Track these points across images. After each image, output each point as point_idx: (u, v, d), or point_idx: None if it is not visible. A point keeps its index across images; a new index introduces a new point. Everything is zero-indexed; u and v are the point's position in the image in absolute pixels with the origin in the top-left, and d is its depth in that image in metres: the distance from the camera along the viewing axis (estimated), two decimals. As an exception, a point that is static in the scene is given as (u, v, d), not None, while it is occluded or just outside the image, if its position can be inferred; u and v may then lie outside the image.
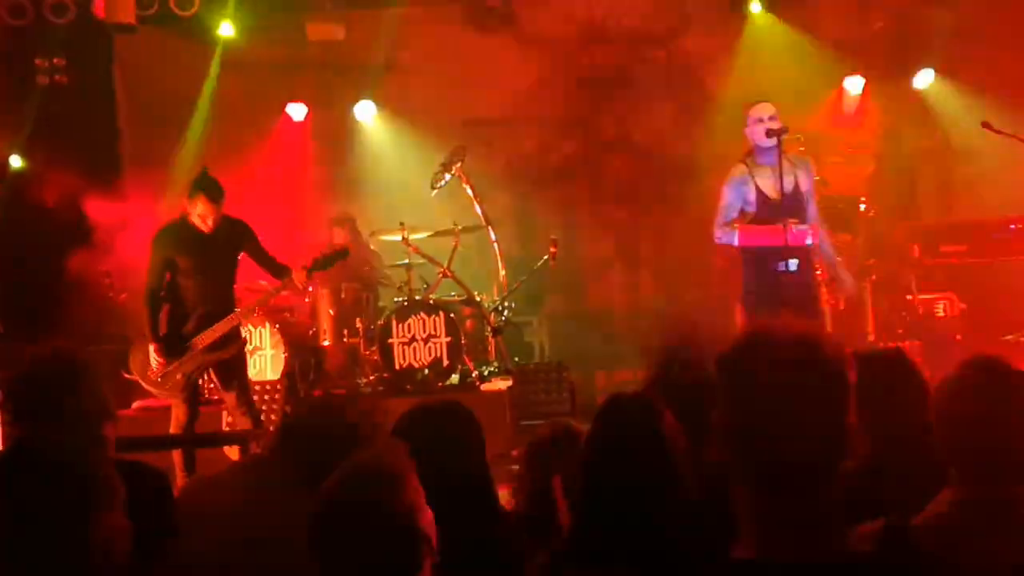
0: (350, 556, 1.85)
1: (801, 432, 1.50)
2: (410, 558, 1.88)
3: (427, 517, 1.94)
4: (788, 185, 5.58)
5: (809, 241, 5.66)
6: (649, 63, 8.59)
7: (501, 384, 7.07)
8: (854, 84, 9.05)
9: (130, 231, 7.60)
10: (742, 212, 5.70)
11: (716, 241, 5.78)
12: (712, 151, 6.99)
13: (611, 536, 2.04)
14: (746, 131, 5.75)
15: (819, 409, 1.51)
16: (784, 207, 5.51)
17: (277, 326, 7.27)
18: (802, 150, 6.72)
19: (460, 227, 7.43)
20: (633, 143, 8.59)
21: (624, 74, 8.47)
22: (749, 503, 1.54)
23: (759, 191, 5.68)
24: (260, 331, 7.29)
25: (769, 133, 5.58)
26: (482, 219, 7.50)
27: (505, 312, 7.40)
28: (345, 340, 7.43)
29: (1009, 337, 6.60)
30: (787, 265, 5.50)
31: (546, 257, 7.32)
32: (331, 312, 7.45)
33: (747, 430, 1.53)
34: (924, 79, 8.67)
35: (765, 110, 5.66)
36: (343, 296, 7.46)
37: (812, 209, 5.83)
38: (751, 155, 5.75)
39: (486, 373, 7.29)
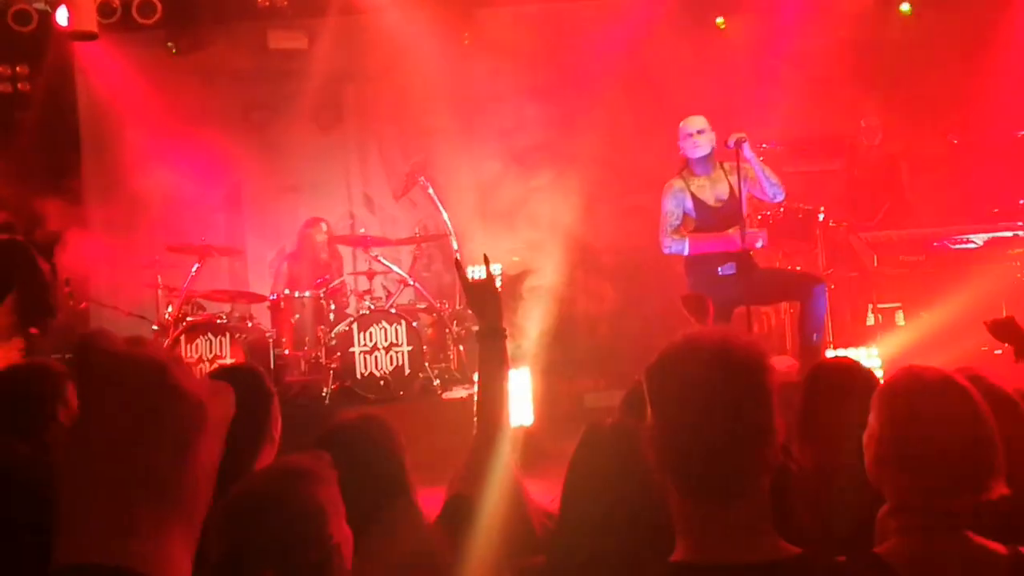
0: (253, 550, 1.82)
1: (722, 438, 1.51)
2: (315, 560, 1.84)
3: (343, 528, 1.91)
4: (723, 192, 5.80)
5: (760, 244, 5.86)
6: (611, 73, 8.48)
7: (463, 392, 6.93)
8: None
9: (89, 238, 7.41)
10: (686, 218, 5.76)
11: (665, 251, 5.89)
12: (672, 158, 6.90)
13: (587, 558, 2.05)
14: (680, 144, 5.89)
15: (742, 415, 1.52)
16: (726, 212, 5.70)
17: (237, 335, 7.07)
18: (762, 159, 6.71)
19: (422, 235, 7.28)
20: (596, 154, 8.48)
21: (587, 83, 8.35)
22: (682, 508, 1.56)
23: (696, 200, 5.83)
24: (220, 340, 7.09)
25: (729, 142, 5.73)
26: (446, 227, 7.36)
27: (467, 320, 7.26)
28: (306, 349, 7.25)
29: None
30: (727, 268, 5.72)
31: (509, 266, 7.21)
32: (292, 320, 7.26)
33: (675, 438, 1.55)
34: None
35: (694, 124, 5.84)
36: (304, 304, 7.27)
37: (768, 184, 5.88)
38: (686, 167, 5.88)
39: (448, 381, 7.13)
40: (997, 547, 1.89)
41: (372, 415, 2.77)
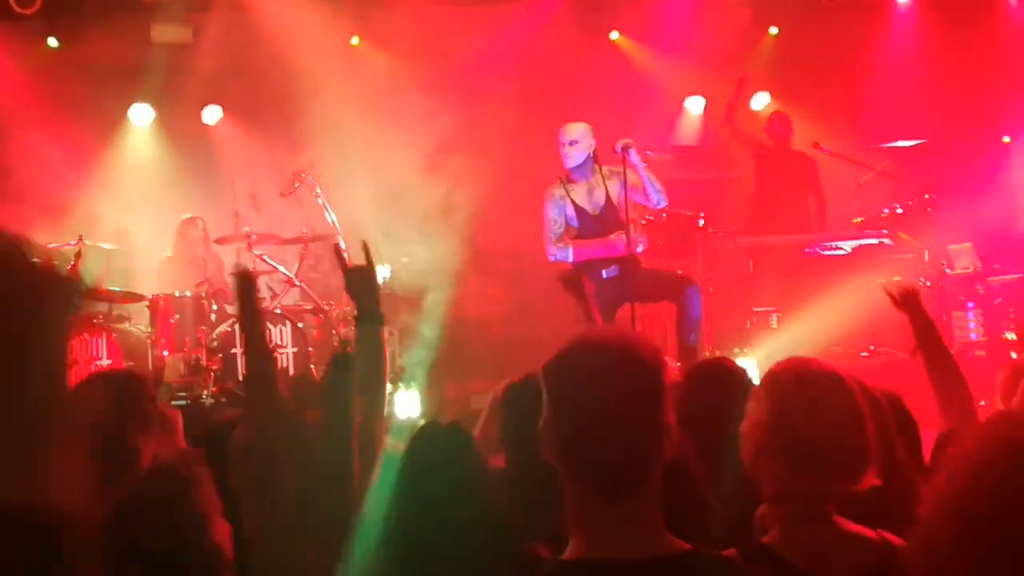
0: (141, 552, 1.80)
1: (620, 434, 1.51)
2: (200, 560, 1.83)
3: (222, 526, 1.90)
4: (600, 198, 5.91)
5: (640, 248, 5.98)
6: (506, 77, 8.49)
7: (349, 394, 6.78)
8: (695, 104, 9.29)
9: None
10: (568, 226, 5.83)
11: (551, 259, 5.95)
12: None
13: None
14: (560, 151, 5.98)
15: (637, 412, 1.53)
16: (605, 217, 5.80)
17: (114, 335, 6.77)
18: (646, 165, 6.81)
19: (309, 235, 7.12)
20: (488, 156, 8.47)
21: (482, 87, 8.33)
22: (577, 505, 1.55)
23: (576, 206, 5.91)
24: (96, 341, 6.78)
25: (615, 148, 5.86)
26: (332, 227, 7.22)
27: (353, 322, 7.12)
28: (186, 350, 6.99)
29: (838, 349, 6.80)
30: (611, 271, 5.82)
31: (397, 266, 7.13)
32: (172, 320, 7.00)
33: (569, 434, 1.54)
34: (761, 101, 8.90)
35: (567, 134, 5.92)
36: (184, 304, 7.02)
37: (652, 190, 6.02)
38: (566, 174, 5.96)
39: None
40: (868, 532, 1.94)
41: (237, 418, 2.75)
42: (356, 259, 2.69)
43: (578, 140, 5.90)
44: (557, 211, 5.92)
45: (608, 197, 5.93)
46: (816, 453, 1.91)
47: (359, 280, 2.55)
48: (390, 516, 2.05)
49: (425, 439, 2.19)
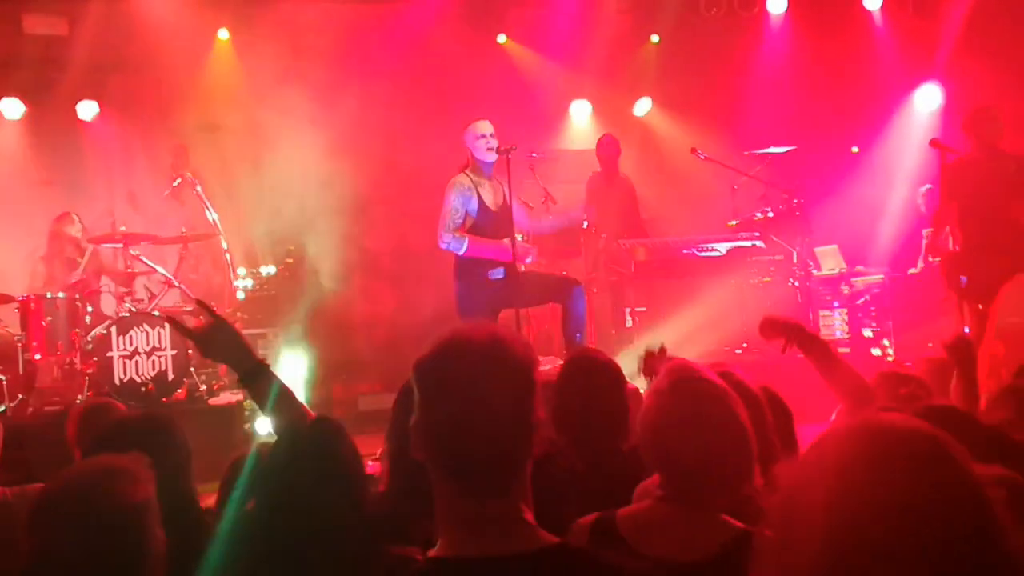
0: (63, 552, 1.70)
1: (490, 432, 1.48)
2: (130, 563, 1.75)
3: (158, 530, 1.82)
4: (500, 199, 5.84)
5: (529, 259, 5.93)
6: (393, 77, 8.34)
7: (232, 397, 6.54)
8: (581, 108, 9.34)
9: None
10: (467, 217, 5.72)
11: (442, 245, 5.80)
12: (451, 164, 6.87)
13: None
14: (468, 145, 5.83)
15: (507, 409, 1.50)
16: (501, 218, 5.74)
17: (-21, 339, 6.34)
18: (532, 169, 6.81)
19: (189, 234, 6.81)
20: (375, 157, 8.32)
21: (369, 85, 8.15)
22: (446, 503, 1.52)
23: (481, 201, 5.79)
24: (-39, 344, 6.34)
25: (499, 151, 5.71)
26: (213, 226, 6.93)
27: (237, 323, 6.86)
28: (59, 353, 6.60)
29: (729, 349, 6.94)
30: (496, 273, 5.76)
31: (281, 267, 6.92)
32: (44, 323, 6.59)
33: (439, 432, 1.50)
34: (643, 107, 9.01)
35: (487, 127, 5.79)
36: (57, 306, 6.62)
37: (520, 214, 6.10)
38: (472, 168, 5.83)
39: (215, 387, 6.72)
40: (730, 520, 1.94)
41: (157, 413, 2.58)
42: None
43: (487, 134, 5.78)
44: (462, 201, 5.73)
45: (506, 200, 5.87)
46: (696, 472, 1.92)
47: (217, 342, 2.25)
48: (253, 506, 1.94)
49: (290, 431, 2.08)
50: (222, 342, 2.24)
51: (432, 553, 1.53)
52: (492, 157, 5.70)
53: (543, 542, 1.53)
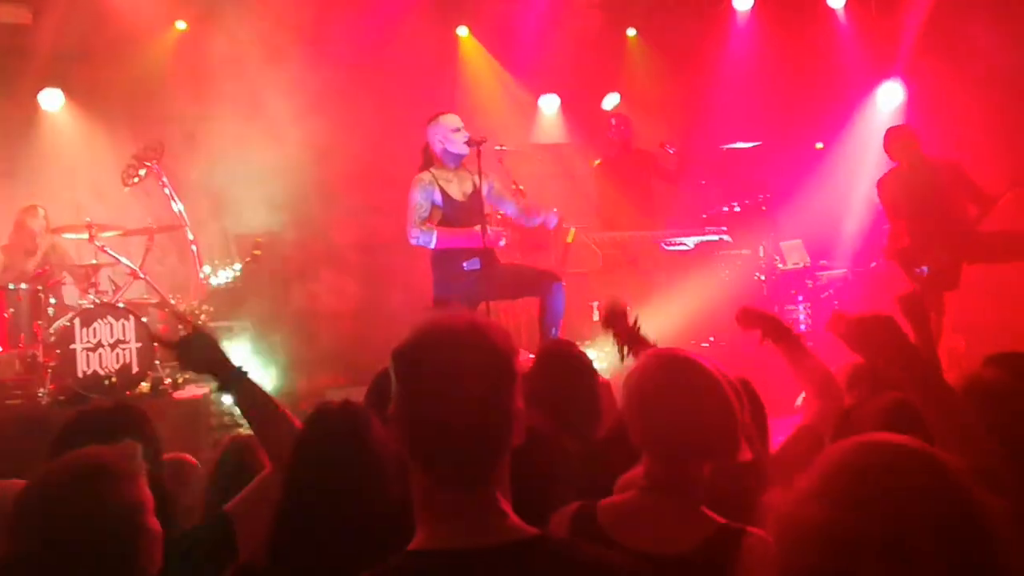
0: (50, 548, 1.66)
1: (470, 423, 1.46)
2: (121, 558, 1.71)
3: (152, 523, 1.78)
4: (468, 189, 5.81)
5: (502, 242, 5.87)
6: (357, 68, 8.24)
7: (197, 390, 6.43)
8: (549, 103, 9.32)
9: None
10: (433, 210, 5.66)
11: (412, 242, 5.77)
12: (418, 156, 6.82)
13: (310, 545, 1.96)
14: (434, 139, 5.80)
15: (487, 399, 1.47)
16: (471, 208, 5.70)
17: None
18: (500, 161, 6.77)
19: (155, 226, 6.69)
20: (341, 149, 8.22)
21: (333, 76, 8.05)
22: (426, 494, 1.50)
23: (445, 194, 5.76)
24: (-81, 337, 6.17)
25: (470, 143, 5.70)
26: (180, 217, 6.82)
27: (202, 316, 6.74)
28: (21, 346, 6.45)
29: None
30: (472, 264, 5.71)
31: (248, 259, 6.83)
32: (5, 315, 6.43)
33: (418, 422, 1.48)
34: (611, 101, 8.98)
35: (457, 120, 5.78)
36: (19, 297, 6.46)
37: (512, 208, 6.13)
38: (434, 163, 5.82)
39: (180, 380, 6.61)
40: (710, 514, 1.93)
41: (126, 404, 2.54)
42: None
43: (462, 127, 5.76)
44: (424, 196, 5.72)
45: (477, 190, 5.82)
46: (682, 441, 1.91)
47: (195, 351, 2.27)
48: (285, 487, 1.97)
49: (322, 414, 2.10)
50: (200, 352, 2.26)
51: (411, 546, 1.50)
52: (466, 149, 5.65)
53: (523, 534, 1.51)
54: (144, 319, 6.36)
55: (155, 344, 2.57)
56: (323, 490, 2.00)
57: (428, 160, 5.84)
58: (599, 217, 7.79)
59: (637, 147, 7.89)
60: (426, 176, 5.77)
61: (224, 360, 2.24)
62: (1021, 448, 2.48)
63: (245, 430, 5.22)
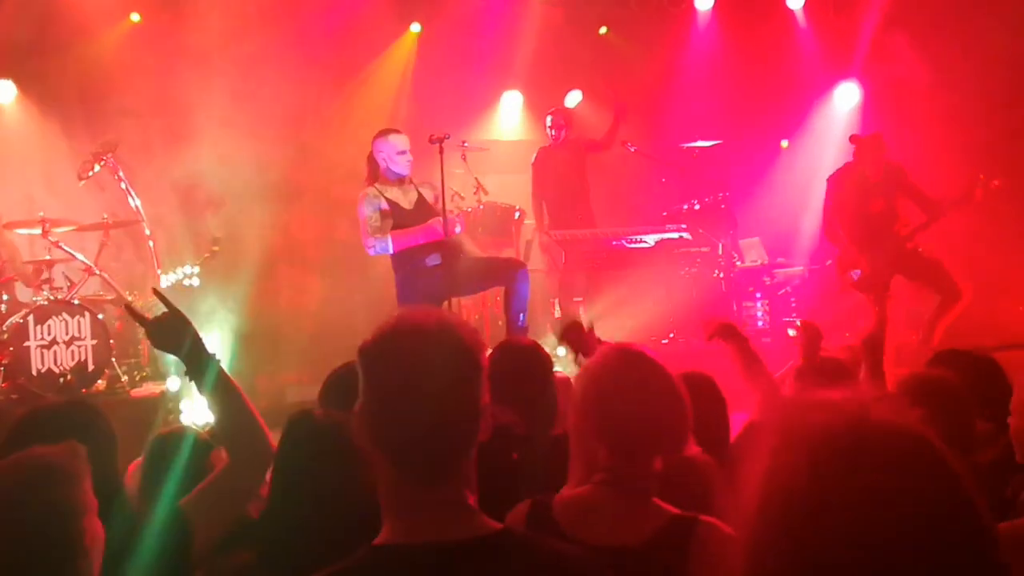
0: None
1: (437, 419, 1.46)
2: (61, 562, 1.68)
3: (94, 526, 1.76)
4: (414, 199, 5.86)
5: (458, 229, 5.89)
6: (319, 63, 8.16)
7: (155, 388, 6.33)
8: (512, 99, 9.31)
9: None
10: (385, 218, 5.67)
11: (371, 252, 5.86)
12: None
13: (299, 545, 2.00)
14: (379, 155, 5.85)
15: (454, 395, 1.47)
16: (418, 214, 5.78)
17: None
18: (464, 158, 6.75)
19: (111, 221, 6.55)
20: (301, 145, 8.14)
21: (294, 72, 7.95)
22: (392, 489, 1.49)
23: (392, 202, 5.81)
24: None
25: (431, 140, 5.84)
26: (136, 213, 6.69)
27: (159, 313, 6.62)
28: (-28, 343, 6.28)
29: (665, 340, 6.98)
30: (433, 259, 5.73)
31: (207, 255, 6.73)
32: (-45, 312, 6.28)
33: (385, 418, 1.47)
34: (574, 99, 8.99)
35: (405, 142, 5.83)
36: (-31, 294, 6.31)
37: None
38: (378, 178, 5.86)
39: (138, 378, 6.49)
40: (665, 506, 1.94)
41: (81, 400, 2.54)
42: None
43: (407, 150, 5.83)
44: (372, 208, 5.78)
45: (422, 197, 5.87)
46: (636, 433, 1.92)
47: (168, 331, 2.21)
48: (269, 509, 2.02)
49: (299, 432, 2.12)
50: (174, 334, 2.20)
51: (376, 541, 1.49)
52: (408, 171, 5.79)
53: (487, 529, 1.51)
54: (100, 316, 6.24)
55: (130, 314, 2.47)
56: (311, 494, 2.00)
57: (373, 171, 5.89)
58: (534, 212, 7.75)
59: (568, 138, 7.80)
60: (371, 190, 5.83)
61: (198, 345, 2.20)
62: (962, 445, 2.55)
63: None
